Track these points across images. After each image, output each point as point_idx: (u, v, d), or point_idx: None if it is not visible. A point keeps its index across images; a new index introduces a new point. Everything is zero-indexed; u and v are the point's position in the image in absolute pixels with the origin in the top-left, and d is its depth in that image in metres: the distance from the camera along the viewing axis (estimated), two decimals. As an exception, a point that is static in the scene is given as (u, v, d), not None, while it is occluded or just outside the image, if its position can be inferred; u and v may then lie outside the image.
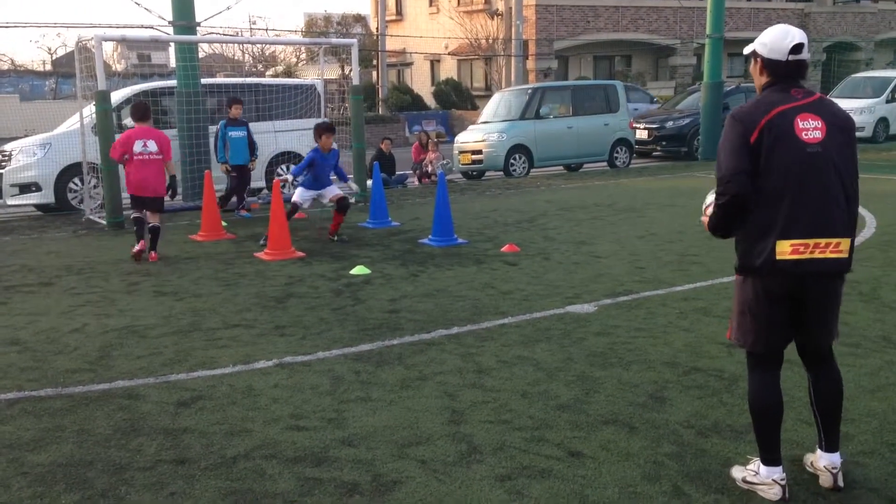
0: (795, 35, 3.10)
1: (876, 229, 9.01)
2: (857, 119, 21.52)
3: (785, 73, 3.13)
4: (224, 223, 10.37)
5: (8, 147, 12.49)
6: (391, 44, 35.98)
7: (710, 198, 3.25)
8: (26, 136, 13.87)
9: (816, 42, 37.03)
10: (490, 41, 32.71)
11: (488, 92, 29.89)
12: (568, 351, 5.13)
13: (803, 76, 3.17)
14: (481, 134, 16.90)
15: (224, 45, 42.79)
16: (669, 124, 19.54)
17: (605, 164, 17.92)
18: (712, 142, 18.16)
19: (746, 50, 3.28)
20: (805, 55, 3.12)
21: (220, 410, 4.29)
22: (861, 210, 10.29)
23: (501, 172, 16.72)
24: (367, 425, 4.05)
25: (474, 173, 17.15)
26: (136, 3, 13.35)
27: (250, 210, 11.80)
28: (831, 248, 3.02)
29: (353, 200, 11.83)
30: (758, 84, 3.25)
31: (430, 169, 16.00)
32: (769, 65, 3.15)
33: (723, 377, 4.58)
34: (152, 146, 8.42)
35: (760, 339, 3.18)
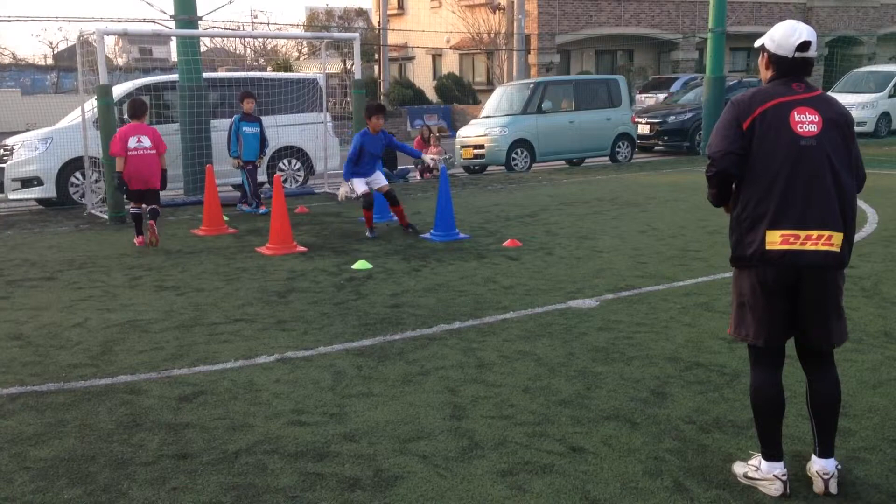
0: (803, 32, 3.13)
1: (878, 224, 9.00)
2: (859, 114, 21.48)
3: (790, 69, 3.16)
4: (226, 217, 10.37)
5: (10, 141, 12.51)
6: (393, 38, 35.93)
7: None
8: (28, 130, 13.88)
9: (819, 36, 36.93)
10: (492, 35, 32.65)
11: (490, 86, 29.86)
12: (570, 346, 5.13)
13: (808, 73, 3.19)
14: (483, 128, 16.88)
15: (226, 39, 42.76)
16: (671, 119, 19.51)
17: (606, 158, 17.90)
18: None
19: (756, 43, 3.32)
20: (812, 53, 3.15)
21: (221, 405, 4.29)
22: (862, 205, 10.27)
23: (503, 167, 16.71)
24: (369, 420, 4.05)
25: (476, 168, 17.14)
26: (138, -3, 13.33)
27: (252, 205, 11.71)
28: (823, 241, 3.02)
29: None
30: (763, 77, 3.29)
31: (431, 163, 15.97)
32: (775, 60, 3.18)
33: (724, 372, 4.58)
34: (146, 141, 8.83)
35: (760, 332, 3.18)
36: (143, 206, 8.91)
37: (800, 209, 3.03)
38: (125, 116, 12.14)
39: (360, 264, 7.64)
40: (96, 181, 11.97)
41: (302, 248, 8.55)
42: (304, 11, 48.79)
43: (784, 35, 3.15)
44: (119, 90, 12.39)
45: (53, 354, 5.23)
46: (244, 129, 11.04)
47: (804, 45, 3.11)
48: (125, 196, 9.35)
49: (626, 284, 6.67)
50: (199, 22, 13.08)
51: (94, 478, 3.50)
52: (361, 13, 45.06)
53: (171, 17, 12.79)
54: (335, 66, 33.87)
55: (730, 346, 4.99)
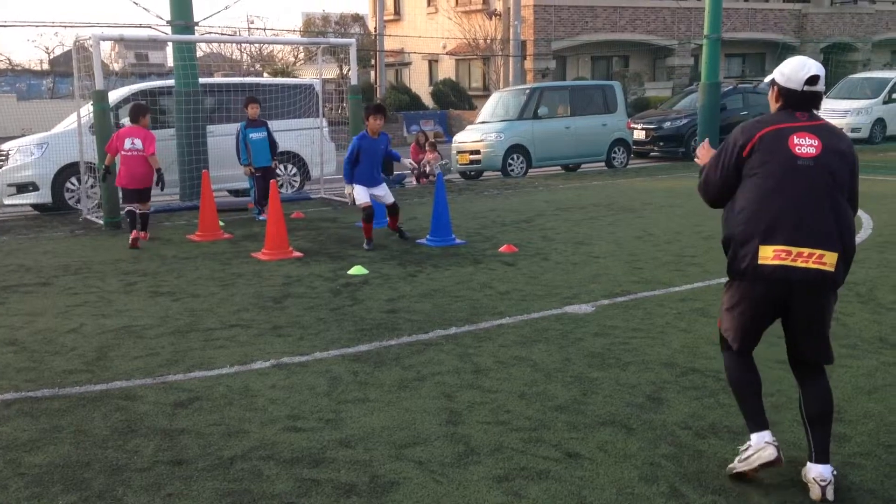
0: (812, 67, 3.24)
1: (872, 230, 9.03)
2: (854, 120, 21.58)
3: (798, 101, 3.27)
4: (221, 223, 10.36)
5: (5, 147, 12.49)
6: (389, 44, 36.00)
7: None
8: (23, 135, 13.87)
9: (814, 43, 37.10)
10: (488, 41, 32.74)
11: (486, 92, 29.91)
12: (566, 351, 5.14)
13: (817, 107, 3.30)
14: (479, 134, 16.91)
15: (222, 44, 42.78)
16: (667, 125, 19.57)
17: (602, 164, 17.94)
18: (711, 142, 18.19)
19: (766, 80, 3.44)
20: (820, 87, 3.26)
21: (217, 411, 4.28)
22: (858, 211, 10.29)
23: (499, 172, 16.73)
24: (365, 426, 4.05)
25: (472, 173, 17.16)
26: (135, 2, 13.37)
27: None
28: (815, 259, 3.08)
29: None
30: (772, 109, 3.40)
31: (428, 169, 16.01)
32: (784, 92, 3.29)
33: (720, 378, 4.58)
34: (139, 143, 9.46)
35: (737, 338, 3.35)
36: (137, 205, 9.49)
37: (792, 226, 3.10)
38: (121, 122, 12.21)
39: (356, 270, 7.63)
40: (92, 186, 11.96)
41: (298, 254, 8.55)
42: (300, 17, 48.88)
43: (794, 69, 3.26)
44: (115, 95, 12.38)
45: (48, 360, 5.21)
46: (251, 135, 10.92)
47: (813, 80, 3.22)
48: (122, 199, 9.96)
49: (621, 290, 6.68)
50: (196, 27, 13.08)
51: (88, 484, 3.49)
52: (358, 19, 45.14)
53: (167, 22, 12.80)
54: (332, 72, 33.91)
55: (725, 351, 4.99)
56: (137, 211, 9.45)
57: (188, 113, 12.23)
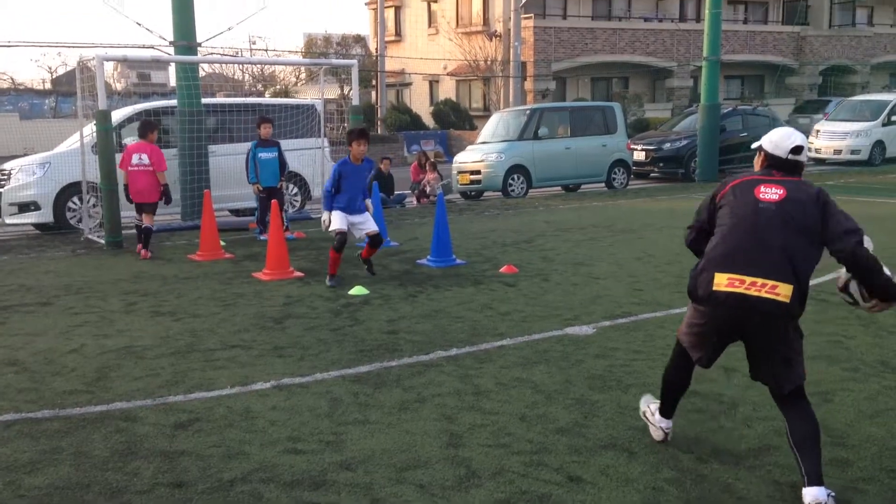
0: (797, 139, 3.52)
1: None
2: (854, 142, 21.67)
3: (780, 167, 3.52)
4: (222, 243, 10.38)
5: (7, 166, 12.52)
6: (390, 64, 36.17)
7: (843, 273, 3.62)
8: (26, 154, 13.90)
9: (812, 65, 37.30)
10: (488, 62, 32.90)
11: (487, 112, 30.02)
12: (566, 373, 5.13)
13: (799, 175, 3.54)
14: (480, 154, 16.96)
15: (224, 65, 42.97)
16: (667, 146, 19.63)
17: (602, 184, 17.98)
18: (709, 163, 18.26)
19: (754, 146, 3.73)
20: (803, 157, 3.52)
21: (217, 433, 4.27)
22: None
23: (500, 193, 16.76)
24: (366, 448, 4.03)
25: (473, 193, 17.20)
26: (138, 23, 13.45)
27: (287, 231, 11.24)
28: (767, 289, 3.28)
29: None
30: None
31: (428, 189, 16.05)
32: (770, 158, 3.56)
33: (722, 401, 4.57)
34: (145, 158, 9.90)
35: (694, 353, 3.65)
36: (142, 219, 10.01)
37: (746, 257, 3.34)
38: (123, 141, 12.28)
39: (357, 290, 7.63)
40: (94, 206, 11.98)
41: (299, 274, 8.55)
42: (302, 38, 49.08)
43: (781, 138, 3.53)
44: (118, 115, 12.44)
45: (49, 381, 5.20)
46: (260, 155, 10.85)
47: (797, 149, 3.49)
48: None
49: (622, 311, 6.68)
50: (198, 48, 13.17)
51: (88, 506, 3.47)
52: (359, 40, 45.39)
53: (170, 43, 12.88)
54: (333, 92, 34.03)
55: (727, 374, 4.99)
56: (141, 225, 9.95)
57: (190, 133, 12.28)
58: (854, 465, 3.74)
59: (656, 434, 4.01)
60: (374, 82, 34.95)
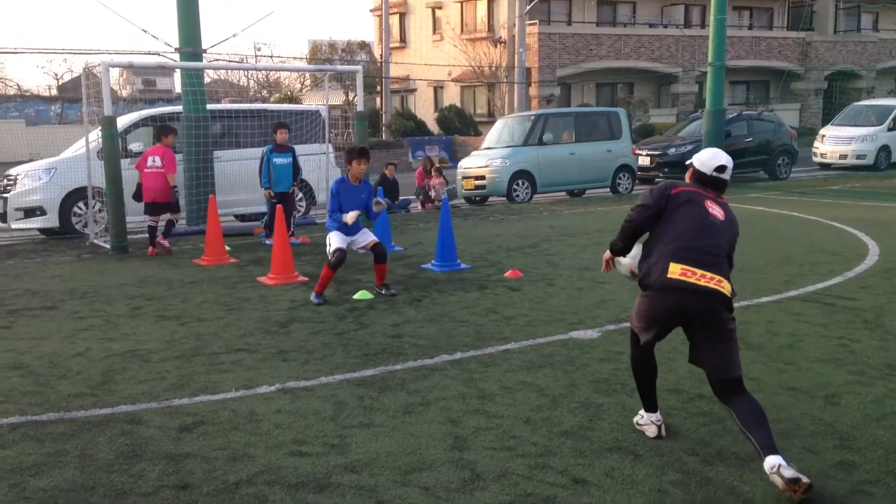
0: (721, 158, 4.04)
1: (879, 257, 9.01)
2: (859, 147, 21.64)
3: (706, 182, 4.04)
4: (227, 248, 10.40)
5: (13, 171, 12.57)
6: (395, 70, 36.26)
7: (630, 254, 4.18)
8: (32, 160, 13.96)
9: (818, 70, 37.27)
10: (493, 68, 32.97)
11: (491, 118, 30.06)
12: (571, 377, 5.12)
13: (721, 190, 4.06)
14: (484, 160, 16.98)
15: (229, 71, 43.13)
16: (672, 151, 19.60)
17: (607, 190, 17.97)
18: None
19: (687, 162, 4.24)
20: (726, 176, 4.05)
21: (222, 436, 4.27)
22: (864, 237, 10.30)
23: (504, 198, 16.77)
24: (370, 451, 4.03)
25: (477, 199, 17.21)
26: (144, 30, 13.51)
27: (293, 236, 11.25)
28: (715, 282, 3.71)
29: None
30: None
31: (433, 194, 16.06)
32: (697, 175, 4.08)
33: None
34: (158, 161, 10.36)
35: (647, 333, 3.98)
36: (157, 219, 10.52)
37: (699, 256, 3.75)
38: (129, 147, 12.33)
39: (362, 294, 7.64)
40: (99, 211, 12.02)
41: (303, 278, 8.56)
42: (307, 44, 49.28)
43: (708, 158, 4.06)
44: (123, 121, 12.48)
45: (54, 384, 5.21)
46: (275, 160, 10.84)
47: (721, 168, 4.02)
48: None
49: (627, 315, 6.64)
50: (204, 54, 13.21)
51: (93, 508, 3.47)
52: (364, 46, 45.49)
53: (175, 49, 12.93)
54: (338, 98, 34.13)
55: (732, 377, 4.97)
56: (154, 225, 10.55)
57: (196, 138, 12.31)
58: (860, 467, 3.72)
59: (651, 431, 4.11)
60: (378, 88, 35.04)
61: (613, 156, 17.73)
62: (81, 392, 5.03)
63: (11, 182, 12.32)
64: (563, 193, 18.11)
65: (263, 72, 43.33)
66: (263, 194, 11.19)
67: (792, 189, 17.42)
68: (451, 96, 36.49)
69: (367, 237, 7.73)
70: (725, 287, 3.73)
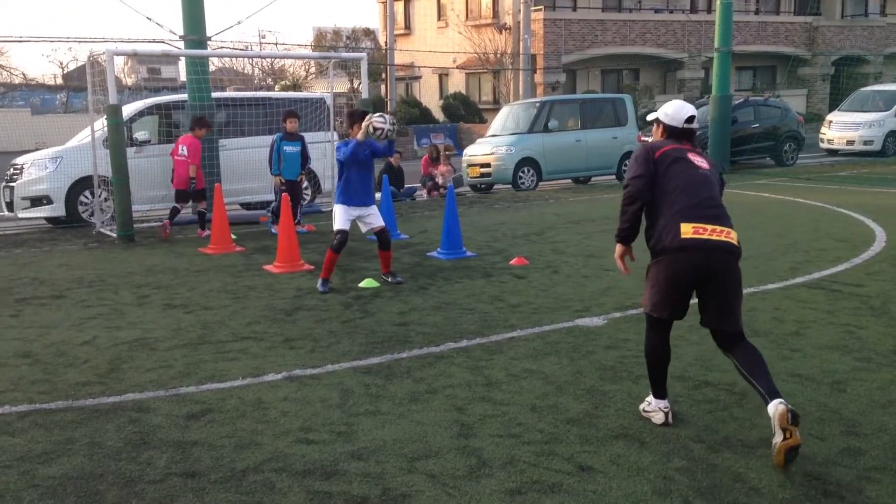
0: (689, 110, 4.13)
1: (886, 243, 8.98)
2: (867, 132, 21.50)
3: (679, 135, 4.12)
4: (234, 236, 10.42)
5: (20, 160, 12.60)
6: (400, 58, 36.14)
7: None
8: (38, 149, 13.98)
9: (825, 56, 37.03)
10: (498, 55, 32.84)
11: (496, 105, 29.99)
12: (577, 364, 5.12)
13: (692, 140, 4.14)
14: (490, 147, 16.95)
15: (234, 59, 43.05)
16: (678, 137, 19.53)
17: (613, 177, 17.93)
18: (721, 155, 18.17)
19: (650, 117, 4.30)
20: (696, 125, 4.15)
21: (229, 423, 4.29)
22: (871, 224, 10.26)
23: (510, 185, 16.75)
24: (377, 439, 4.05)
25: (483, 186, 17.19)
26: (148, 18, 13.48)
27: (300, 224, 11.32)
28: (724, 235, 3.84)
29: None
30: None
31: (441, 181, 16.04)
32: (668, 129, 4.15)
33: (733, 391, 4.56)
34: (184, 150, 10.87)
35: (665, 307, 3.96)
36: (202, 204, 11.14)
37: (703, 211, 3.86)
38: (135, 135, 12.35)
39: (368, 282, 7.65)
40: (105, 200, 12.04)
41: (309, 267, 8.57)
42: (311, 31, 49.13)
43: (676, 110, 4.13)
44: (128, 109, 12.48)
45: (62, 372, 5.24)
46: (285, 148, 10.87)
47: (690, 119, 4.11)
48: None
49: (633, 303, 6.66)
50: (208, 42, 13.19)
51: (102, 496, 3.50)
52: (368, 33, 45.33)
53: (180, 37, 12.90)
54: (342, 86, 34.09)
55: (738, 364, 4.97)
56: (179, 208, 11.17)
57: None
58: (867, 454, 3.72)
59: (658, 418, 4.12)
60: (383, 76, 34.95)
61: (619, 143, 17.67)
62: (89, 380, 5.06)
63: (18, 171, 12.35)
64: (569, 181, 18.07)
65: (268, 59, 43.27)
66: (273, 182, 11.21)
67: (798, 175, 17.35)
68: (456, 83, 36.38)
69: (376, 220, 7.57)
70: (733, 237, 3.86)
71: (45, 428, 4.29)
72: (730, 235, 3.84)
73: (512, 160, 16.55)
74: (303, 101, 14.18)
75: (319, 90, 24.69)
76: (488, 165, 16.70)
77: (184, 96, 13.14)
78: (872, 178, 16.40)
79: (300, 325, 6.28)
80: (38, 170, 12.22)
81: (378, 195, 8.26)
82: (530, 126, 17.07)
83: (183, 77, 15.65)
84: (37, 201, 12.18)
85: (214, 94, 13.14)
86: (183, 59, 14.18)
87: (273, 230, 10.97)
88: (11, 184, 12.24)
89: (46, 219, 12.67)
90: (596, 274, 7.84)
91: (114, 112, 10.63)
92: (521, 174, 16.67)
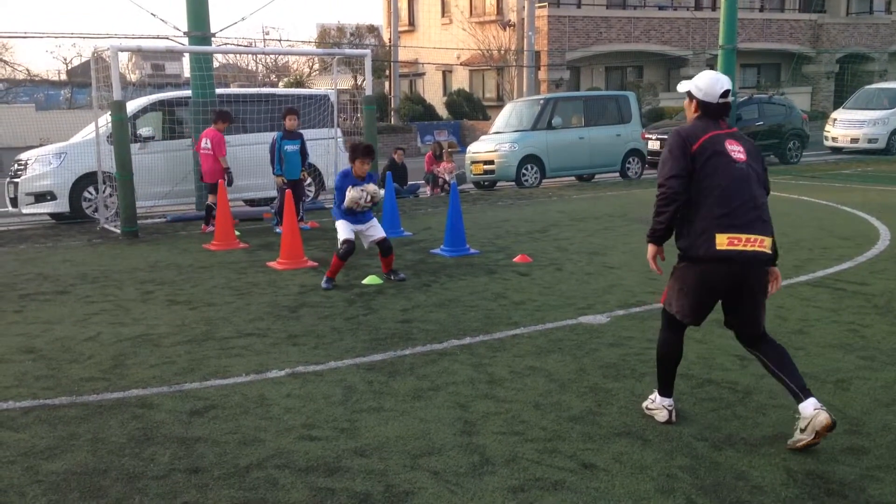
0: (725, 83, 3.86)
1: (890, 242, 8.96)
2: (871, 130, 21.45)
3: (714, 112, 3.87)
4: (237, 233, 10.42)
5: (24, 156, 12.62)
6: (404, 54, 36.13)
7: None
8: (41, 145, 14.01)
9: (829, 53, 36.93)
10: (502, 52, 32.78)
11: (500, 102, 29.94)
12: (580, 362, 5.12)
13: (727, 115, 3.92)
14: (493, 144, 16.93)
15: (238, 55, 43.08)
16: (682, 135, 19.50)
17: (617, 174, 17.91)
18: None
19: (681, 88, 4.01)
20: (730, 98, 3.89)
21: (232, 419, 4.30)
22: (875, 222, 10.25)
23: (513, 182, 16.74)
24: (380, 435, 4.05)
25: (486, 183, 17.18)
26: (153, 14, 13.48)
27: (303, 221, 11.27)
28: (758, 244, 3.73)
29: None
30: (689, 118, 3.97)
31: (446, 177, 16.02)
32: (702, 106, 3.88)
33: (736, 389, 4.56)
34: (208, 144, 11.01)
35: (688, 315, 3.91)
36: (211, 197, 11.10)
37: (740, 218, 3.71)
38: (139, 131, 12.37)
39: (371, 279, 7.65)
40: (109, 196, 12.06)
41: (312, 263, 8.58)
42: (315, 28, 49.10)
43: (710, 84, 3.85)
44: (132, 106, 12.49)
45: (66, 368, 5.25)
46: (286, 147, 10.71)
47: (726, 93, 3.84)
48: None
49: (636, 301, 6.66)
50: (212, 38, 13.19)
51: (105, 492, 3.51)
52: (372, 30, 45.32)
53: (184, 33, 12.91)
54: (346, 82, 34.06)
55: (742, 362, 4.97)
56: (211, 204, 11.11)
57: (205, 123, 12.31)
58: (870, 453, 3.72)
59: (661, 416, 4.11)
60: (387, 72, 34.93)
61: (623, 140, 17.65)
62: (93, 376, 5.07)
63: (22, 167, 12.37)
64: (573, 178, 18.05)
65: (272, 56, 43.29)
66: (275, 181, 11.17)
67: (803, 173, 17.32)
68: (460, 80, 36.33)
69: (376, 231, 7.64)
70: (766, 245, 3.76)
71: (48, 423, 4.30)
72: (763, 244, 3.73)
73: (515, 157, 16.53)
74: (307, 98, 14.18)
75: (323, 87, 24.70)
76: (492, 162, 16.69)
77: (188, 92, 13.15)
78: (877, 176, 16.37)
79: (303, 321, 6.29)
80: (42, 166, 12.23)
81: (381, 192, 8.20)
82: (534, 123, 17.05)
83: (187, 73, 15.64)
84: (41, 197, 12.19)
85: (218, 91, 13.14)
86: (187, 55, 14.17)
87: (277, 230, 10.96)
88: (15, 180, 12.26)
89: (50, 214, 12.69)
90: (599, 271, 7.84)
91: (118, 108, 10.63)
92: (524, 171, 16.65)
